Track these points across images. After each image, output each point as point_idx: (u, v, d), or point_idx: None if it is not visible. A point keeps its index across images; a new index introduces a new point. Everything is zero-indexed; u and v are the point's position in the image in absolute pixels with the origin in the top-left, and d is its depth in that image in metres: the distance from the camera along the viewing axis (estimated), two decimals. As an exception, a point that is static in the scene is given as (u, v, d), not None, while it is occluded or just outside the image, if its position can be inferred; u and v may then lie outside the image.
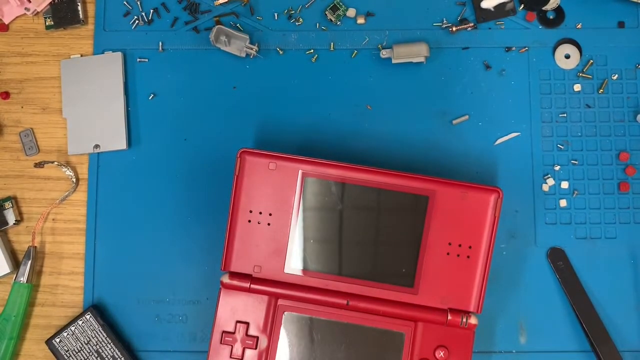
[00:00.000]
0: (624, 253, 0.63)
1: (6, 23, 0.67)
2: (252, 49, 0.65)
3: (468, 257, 0.58)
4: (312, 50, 0.66)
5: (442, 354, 0.57)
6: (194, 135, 0.65)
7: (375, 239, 0.58)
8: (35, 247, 0.64)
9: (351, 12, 0.66)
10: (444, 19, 0.66)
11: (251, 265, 0.58)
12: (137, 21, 0.66)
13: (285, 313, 0.58)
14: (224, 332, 0.58)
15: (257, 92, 0.65)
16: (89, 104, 0.65)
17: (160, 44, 0.66)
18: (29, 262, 0.63)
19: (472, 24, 0.65)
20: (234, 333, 0.58)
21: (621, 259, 0.63)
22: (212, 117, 0.65)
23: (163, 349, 0.63)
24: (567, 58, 0.65)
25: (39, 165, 0.65)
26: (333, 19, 0.66)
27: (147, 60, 0.66)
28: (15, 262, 0.64)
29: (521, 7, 0.66)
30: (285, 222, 0.58)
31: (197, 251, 0.64)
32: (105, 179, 0.65)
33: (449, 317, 0.57)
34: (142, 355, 0.63)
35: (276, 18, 0.66)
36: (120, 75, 0.65)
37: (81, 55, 0.66)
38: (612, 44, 0.65)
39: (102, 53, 0.66)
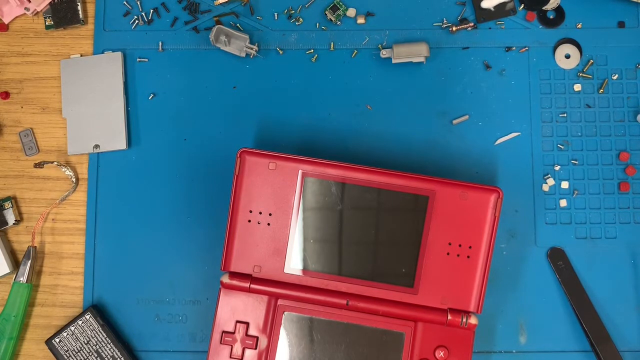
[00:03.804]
0: (624, 253, 0.63)
1: (6, 23, 0.67)
2: (252, 49, 0.65)
3: (468, 257, 0.58)
4: (312, 50, 0.66)
5: (442, 354, 0.57)
6: (194, 135, 0.65)
7: (375, 239, 0.58)
8: (35, 247, 0.64)
9: (351, 12, 0.66)
10: (444, 19, 0.66)
11: (251, 265, 0.58)
12: (137, 21, 0.66)
13: (285, 313, 0.58)
14: (223, 332, 0.58)
15: (257, 92, 0.65)
16: (89, 104, 0.65)
17: (160, 43, 0.66)
18: (29, 262, 0.63)
19: (472, 24, 0.65)
20: (233, 333, 0.58)
21: (621, 259, 0.63)
22: (212, 117, 0.65)
23: (163, 349, 0.63)
24: (567, 58, 0.65)
25: (39, 165, 0.65)
26: (333, 19, 0.66)
27: (147, 60, 0.66)
28: (15, 262, 0.64)
29: (521, 7, 0.66)
30: (285, 222, 0.58)
31: (197, 251, 0.64)
32: (105, 179, 0.65)
33: (449, 317, 0.57)
34: (142, 355, 0.63)
35: (276, 18, 0.66)
36: (120, 75, 0.65)
37: (81, 55, 0.66)
38: (612, 44, 0.65)
39: (102, 53, 0.66)
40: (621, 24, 0.66)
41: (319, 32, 0.66)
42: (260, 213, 0.59)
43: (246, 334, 0.58)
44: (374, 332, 0.58)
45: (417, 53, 0.63)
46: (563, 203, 0.64)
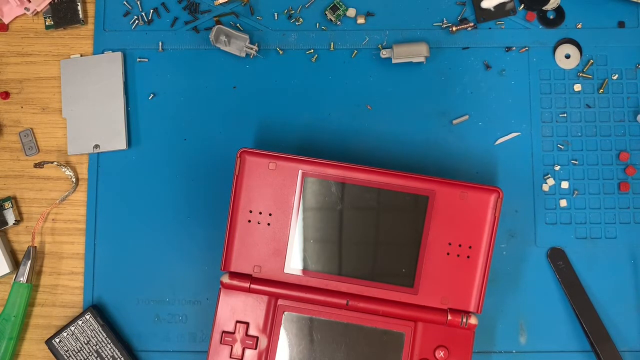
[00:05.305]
0: (624, 253, 0.63)
1: (6, 23, 0.67)
2: (252, 49, 0.65)
3: (468, 257, 0.58)
4: (312, 50, 0.66)
5: (442, 354, 0.57)
6: (194, 135, 0.65)
7: (375, 239, 0.58)
8: (35, 247, 0.64)
9: (351, 12, 0.66)
10: (444, 19, 0.66)
11: (251, 265, 0.58)
12: (137, 21, 0.66)
13: (285, 313, 0.58)
14: (223, 332, 0.58)
15: (257, 92, 0.65)
16: (89, 104, 0.65)
17: (160, 43, 0.66)
18: (29, 262, 0.63)
19: (472, 24, 0.65)
20: (233, 333, 0.58)
21: (621, 259, 0.63)
22: (212, 117, 0.65)
23: (163, 349, 0.63)
24: (567, 58, 0.65)
25: (39, 165, 0.65)
26: (333, 19, 0.66)
27: (147, 60, 0.66)
28: (15, 262, 0.64)
29: (521, 7, 0.66)
30: (285, 222, 0.58)
31: (197, 251, 0.64)
32: (105, 179, 0.65)
33: (449, 317, 0.57)
34: (142, 355, 0.63)
35: (276, 18, 0.66)
36: (120, 75, 0.65)
37: (81, 55, 0.66)
38: (612, 44, 0.65)
39: (102, 53, 0.66)
40: (621, 24, 0.66)
41: (319, 32, 0.66)
42: (260, 213, 0.59)
43: (246, 334, 0.58)
44: (374, 332, 0.58)
45: (417, 53, 0.63)
46: (563, 203, 0.64)
